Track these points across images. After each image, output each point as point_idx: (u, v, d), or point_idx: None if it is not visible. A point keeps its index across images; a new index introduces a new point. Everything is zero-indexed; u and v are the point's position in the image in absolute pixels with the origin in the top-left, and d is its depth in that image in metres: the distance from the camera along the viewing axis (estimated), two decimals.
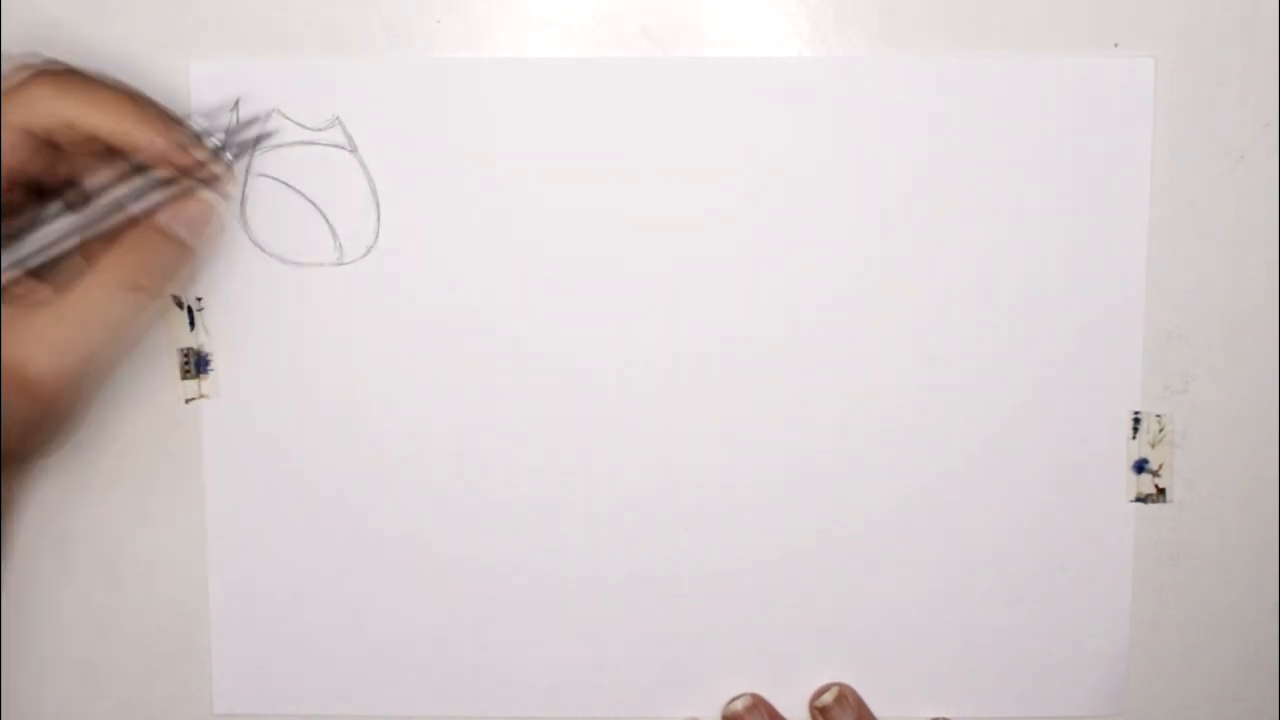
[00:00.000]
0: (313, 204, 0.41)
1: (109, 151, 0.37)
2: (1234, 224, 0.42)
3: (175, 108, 0.39)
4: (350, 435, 0.42)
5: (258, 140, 0.40)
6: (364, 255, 0.42)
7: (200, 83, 0.41)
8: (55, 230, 0.38)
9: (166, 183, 0.38)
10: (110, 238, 0.37)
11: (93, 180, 0.38)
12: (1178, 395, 0.43)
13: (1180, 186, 0.42)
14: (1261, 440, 0.43)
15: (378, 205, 0.42)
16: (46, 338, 0.36)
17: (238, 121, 0.41)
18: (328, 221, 0.42)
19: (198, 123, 0.40)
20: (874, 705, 0.43)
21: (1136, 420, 0.43)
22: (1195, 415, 0.43)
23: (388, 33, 0.41)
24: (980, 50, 0.41)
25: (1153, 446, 0.43)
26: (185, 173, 0.37)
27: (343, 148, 0.41)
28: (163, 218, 0.38)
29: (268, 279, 0.42)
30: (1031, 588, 0.43)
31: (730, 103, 0.41)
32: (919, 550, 0.43)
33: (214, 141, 0.40)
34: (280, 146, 0.41)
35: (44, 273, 0.38)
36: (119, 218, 0.37)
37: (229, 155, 0.40)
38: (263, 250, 0.42)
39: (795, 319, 0.42)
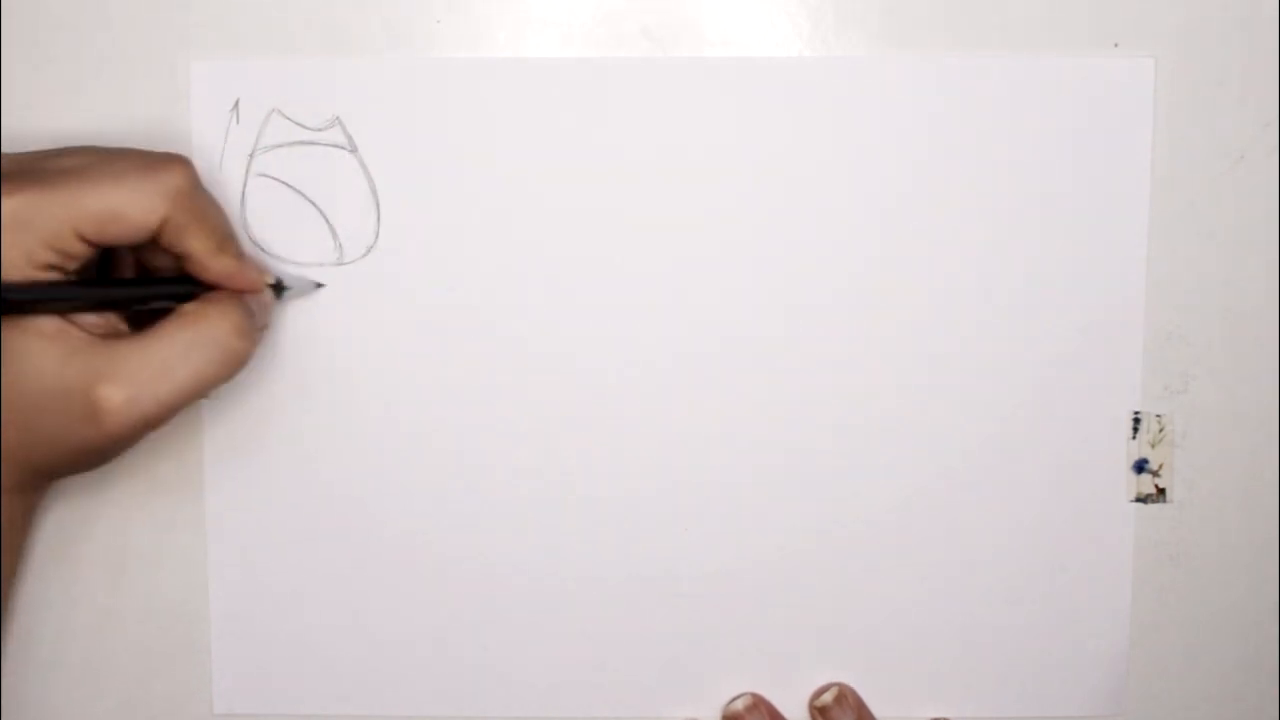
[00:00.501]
0: (313, 204, 0.41)
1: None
2: (1234, 224, 0.42)
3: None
4: (350, 435, 0.42)
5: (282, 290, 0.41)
6: (364, 255, 0.42)
7: (200, 83, 0.41)
8: (120, 289, 0.38)
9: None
10: (199, 299, 0.38)
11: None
12: (1178, 395, 0.43)
13: (1180, 186, 0.42)
14: (1261, 440, 0.43)
15: (378, 205, 0.42)
16: (130, 374, 0.36)
17: (238, 121, 0.41)
18: (328, 221, 0.42)
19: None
20: (874, 705, 0.43)
21: (1136, 420, 0.43)
22: (1195, 415, 0.43)
23: (388, 33, 0.41)
24: (980, 50, 0.41)
25: (1153, 446, 0.43)
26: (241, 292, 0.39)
27: (343, 148, 0.41)
28: (247, 295, 0.39)
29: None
30: (1031, 588, 0.43)
31: (730, 103, 0.41)
32: (919, 550, 0.43)
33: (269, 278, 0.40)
34: (280, 146, 0.41)
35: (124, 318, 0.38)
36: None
37: (285, 288, 0.41)
38: (263, 250, 0.42)
39: (795, 319, 0.42)
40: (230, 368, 0.37)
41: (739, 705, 0.43)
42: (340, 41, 0.41)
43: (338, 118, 0.41)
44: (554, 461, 0.43)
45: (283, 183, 0.41)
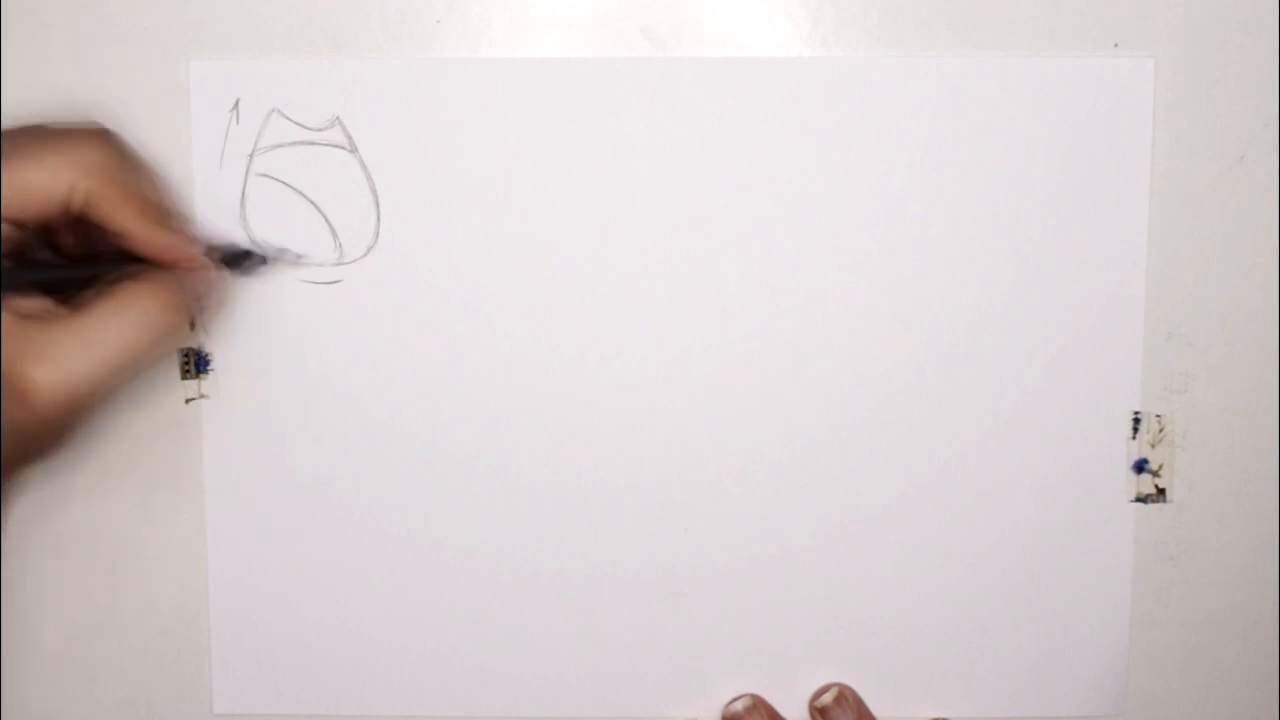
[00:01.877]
0: (313, 204, 0.41)
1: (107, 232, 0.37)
2: (1234, 224, 0.42)
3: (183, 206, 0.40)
4: (350, 435, 0.42)
5: (258, 262, 0.41)
6: (364, 255, 0.42)
7: (200, 83, 0.41)
8: (62, 269, 0.38)
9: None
10: (130, 276, 0.37)
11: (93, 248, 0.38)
12: (1178, 395, 0.43)
13: (1180, 186, 0.42)
14: (1261, 440, 0.43)
15: (378, 205, 0.42)
16: (56, 353, 0.35)
17: (238, 121, 0.41)
18: (328, 221, 0.42)
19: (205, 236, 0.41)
20: (874, 705, 0.43)
21: (1136, 420, 0.43)
22: (1195, 415, 0.43)
23: (388, 33, 0.41)
24: (980, 50, 0.41)
25: (1153, 446, 0.43)
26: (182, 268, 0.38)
27: (343, 148, 0.41)
28: (182, 272, 0.38)
29: (268, 279, 0.42)
30: (1031, 588, 0.43)
31: (730, 103, 0.41)
32: (919, 550, 0.43)
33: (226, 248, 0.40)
34: (280, 146, 0.41)
35: (60, 298, 0.38)
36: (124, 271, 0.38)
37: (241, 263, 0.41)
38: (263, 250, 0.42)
39: (794, 318, 0.42)
40: (161, 344, 0.37)
41: (739, 706, 0.43)
42: (340, 41, 0.41)
43: (338, 118, 0.41)
44: (555, 461, 0.43)
45: (283, 183, 0.41)
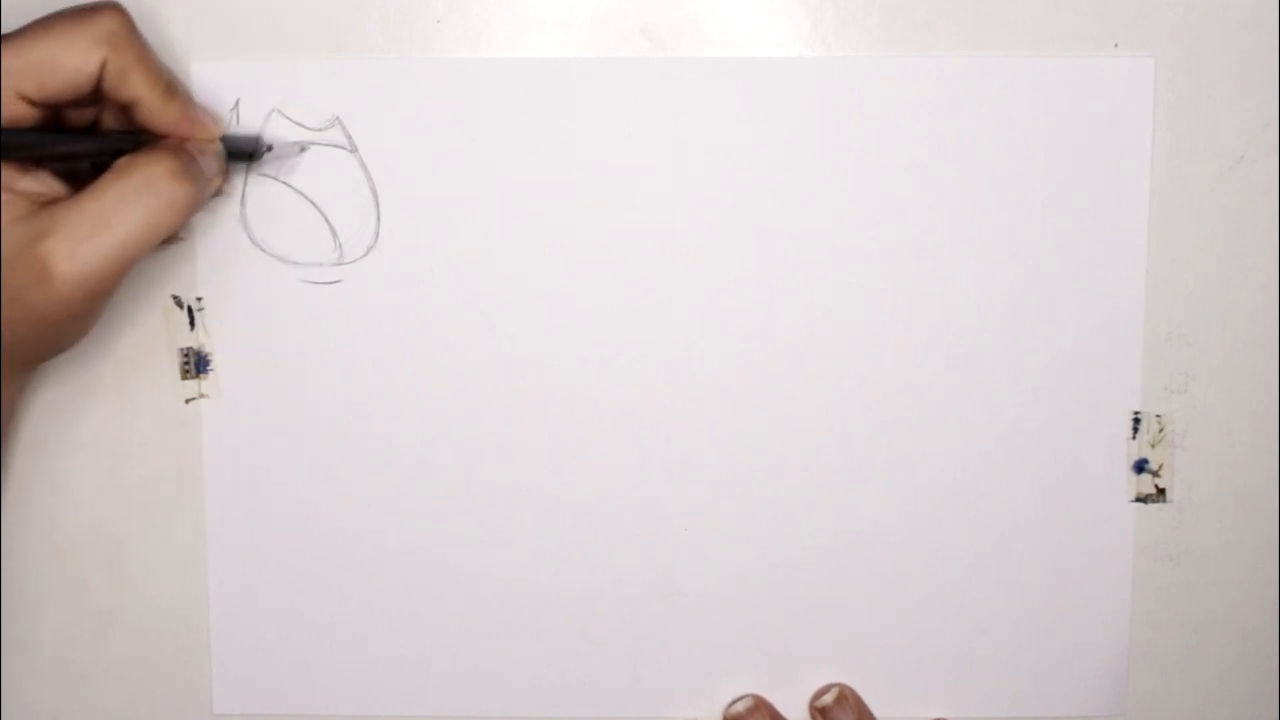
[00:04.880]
0: (313, 204, 0.41)
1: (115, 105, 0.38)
2: (1234, 224, 0.42)
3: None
4: (350, 435, 0.42)
5: (258, 152, 0.41)
6: (364, 255, 0.42)
7: (200, 83, 0.41)
8: (71, 142, 0.38)
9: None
10: (136, 150, 0.37)
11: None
12: (1178, 395, 0.43)
13: (1180, 186, 0.42)
14: (1261, 440, 0.43)
15: (378, 205, 0.42)
16: (71, 233, 0.35)
17: (238, 121, 0.41)
18: (328, 221, 0.42)
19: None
20: (874, 705, 0.43)
21: (1136, 420, 0.43)
22: (1195, 415, 0.43)
23: (388, 33, 0.41)
24: (980, 50, 0.41)
25: (1153, 446, 0.43)
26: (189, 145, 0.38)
27: (343, 148, 0.41)
28: (189, 143, 0.38)
29: (268, 278, 0.42)
30: (1031, 588, 0.43)
31: (730, 103, 0.41)
32: (919, 550, 0.43)
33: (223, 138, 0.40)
34: (280, 147, 0.41)
35: (66, 178, 0.38)
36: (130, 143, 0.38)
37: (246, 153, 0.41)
38: (263, 250, 0.42)
39: (793, 319, 0.42)
40: (170, 214, 0.37)
41: (740, 708, 0.43)
42: (340, 41, 0.41)
43: (338, 118, 0.41)
44: (555, 461, 0.43)
45: (283, 183, 0.41)
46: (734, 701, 0.43)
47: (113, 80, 0.36)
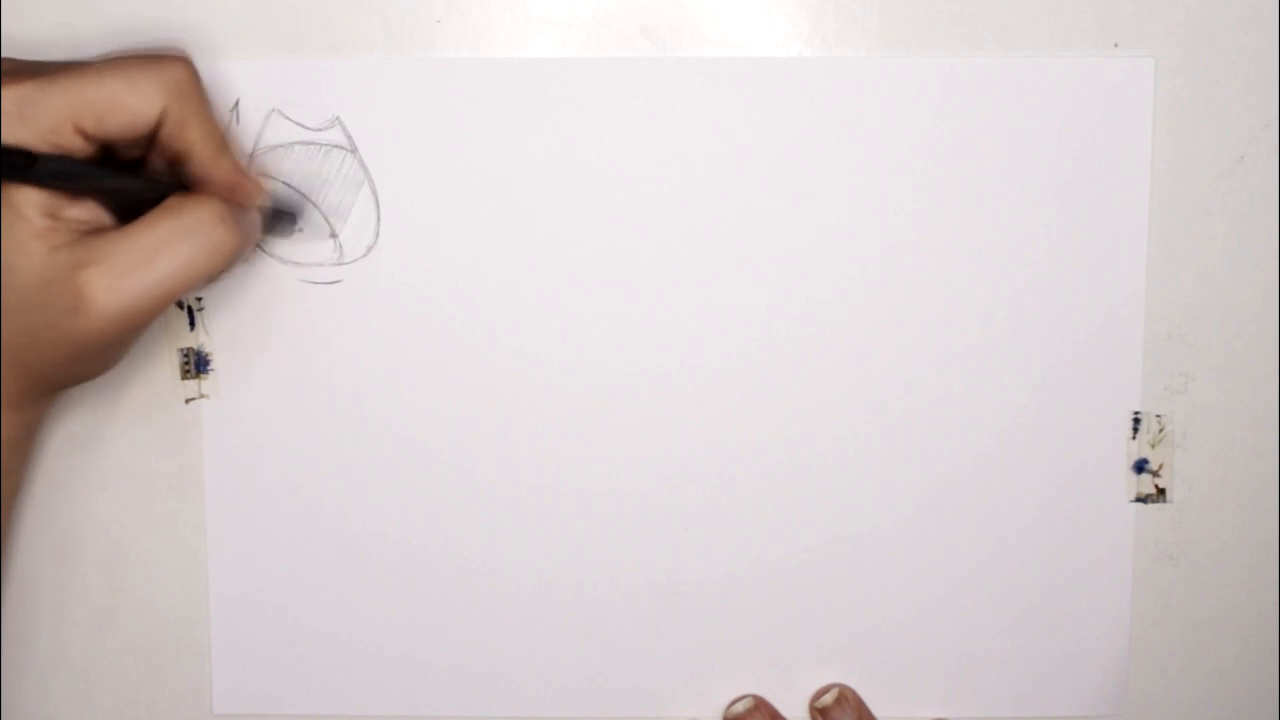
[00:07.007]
0: (313, 204, 0.42)
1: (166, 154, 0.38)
2: (1234, 224, 0.42)
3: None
4: (350, 435, 0.42)
5: (297, 219, 0.41)
6: (364, 255, 0.42)
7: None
8: (117, 179, 0.37)
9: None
10: (185, 192, 0.37)
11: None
12: (1178, 395, 0.43)
13: (1180, 186, 0.42)
14: (1261, 440, 0.43)
15: (378, 205, 0.42)
16: (114, 264, 0.35)
17: (238, 121, 0.41)
18: (328, 221, 0.42)
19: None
20: (874, 705, 0.43)
21: (1136, 420, 0.43)
22: (1195, 415, 0.43)
23: (388, 33, 0.41)
24: (980, 50, 0.41)
25: (1153, 446, 0.43)
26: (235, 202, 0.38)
27: (343, 148, 0.41)
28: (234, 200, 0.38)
29: (268, 279, 0.42)
30: (1031, 588, 0.43)
31: (730, 103, 0.41)
32: (919, 550, 0.43)
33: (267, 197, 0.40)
34: (280, 146, 0.41)
35: (113, 210, 0.38)
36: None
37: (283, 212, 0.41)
38: (263, 250, 0.42)
39: (793, 319, 0.42)
40: (213, 259, 0.36)
41: (740, 708, 0.43)
42: (340, 41, 0.41)
43: (338, 118, 0.41)
44: (555, 461, 0.43)
45: (283, 183, 0.41)
46: (734, 701, 0.43)
47: (171, 128, 0.36)
